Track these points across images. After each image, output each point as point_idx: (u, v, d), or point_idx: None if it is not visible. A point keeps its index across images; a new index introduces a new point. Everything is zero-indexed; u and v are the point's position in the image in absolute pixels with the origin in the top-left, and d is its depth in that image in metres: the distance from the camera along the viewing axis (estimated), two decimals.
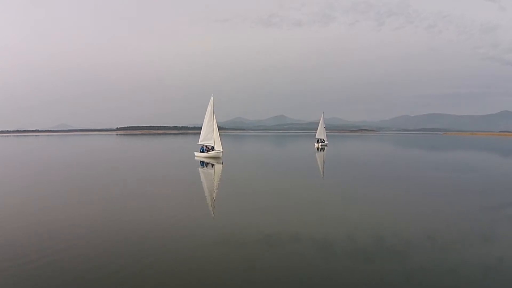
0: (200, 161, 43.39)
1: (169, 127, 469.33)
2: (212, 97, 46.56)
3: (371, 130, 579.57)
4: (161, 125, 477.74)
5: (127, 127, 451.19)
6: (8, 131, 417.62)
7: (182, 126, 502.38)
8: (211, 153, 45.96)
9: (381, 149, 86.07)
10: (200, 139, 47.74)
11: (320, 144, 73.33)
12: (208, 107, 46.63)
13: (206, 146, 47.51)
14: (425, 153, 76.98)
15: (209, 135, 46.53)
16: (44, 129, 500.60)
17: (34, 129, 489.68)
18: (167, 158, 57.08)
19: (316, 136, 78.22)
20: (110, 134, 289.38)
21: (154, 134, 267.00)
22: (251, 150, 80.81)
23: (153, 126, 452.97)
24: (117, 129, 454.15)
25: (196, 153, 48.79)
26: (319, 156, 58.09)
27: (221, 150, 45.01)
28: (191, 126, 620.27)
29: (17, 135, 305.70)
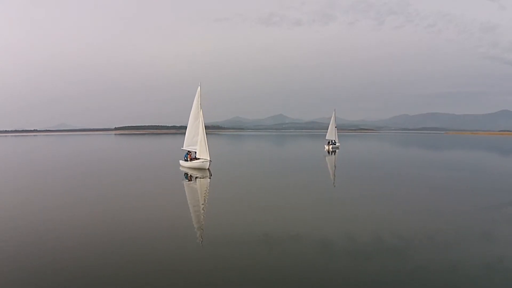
0: (184, 173, 33.56)
1: (168, 126, 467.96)
2: (199, 87, 35.32)
3: (370, 129, 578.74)
4: (160, 124, 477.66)
5: (126, 126, 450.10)
6: (6, 131, 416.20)
7: (181, 126, 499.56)
8: (194, 163, 34.82)
9: (388, 150, 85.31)
10: (185, 143, 36.74)
11: (331, 146, 64.63)
12: (194, 100, 35.68)
13: (190, 153, 36.79)
14: (431, 153, 76.90)
15: (195, 138, 35.62)
16: (42, 129, 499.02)
17: (32, 128, 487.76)
18: (149, 166, 45.52)
19: (327, 137, 68.32)
20: (109, 134, 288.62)
21: (152, 134, 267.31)
22: (249, 154, 66.40)
23: (151, 125, 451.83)
24: (116, 128, 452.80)
25: (181, 162, 37.40)
26: (330, 160, 50.89)
27: (208, 159, 33.78)
28: None
29: (16, 135, 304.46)
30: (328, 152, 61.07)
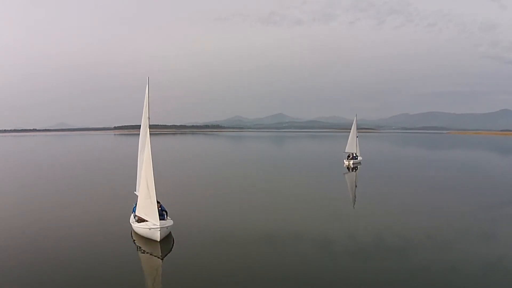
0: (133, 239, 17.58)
1: (168, 125, 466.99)
2: (147, 87, 18.44)
3: (371, 129, 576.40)
4: (160, 123, 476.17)
5: (125, 126, 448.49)
6: (5, 130, 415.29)
7: (181, 125, 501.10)
8: (140, 228, 17.31)
9: (400, 152, 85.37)
10: (138, 183, 19.98)
11: (351, 161, 51.62)
12: (144, 106, 18.99)
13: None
14: (443, 153, 78.20)
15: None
16: (42, 128, 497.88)
17: (32, 128, 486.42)
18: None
19: (346, 150, 54.55)
20: (108, 134, 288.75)
21: (151, 134, 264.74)
22: (244, 172, 44.30)
23: (151, 124, 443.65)
24: (115, 128, 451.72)
25: (131, 219, 18.70)
26: (350, 179, 40.29)
27: (158, 226, 16.38)
28: (189, 125, 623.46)
29: (15, 135, 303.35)
30: (348, 168, 49.07)
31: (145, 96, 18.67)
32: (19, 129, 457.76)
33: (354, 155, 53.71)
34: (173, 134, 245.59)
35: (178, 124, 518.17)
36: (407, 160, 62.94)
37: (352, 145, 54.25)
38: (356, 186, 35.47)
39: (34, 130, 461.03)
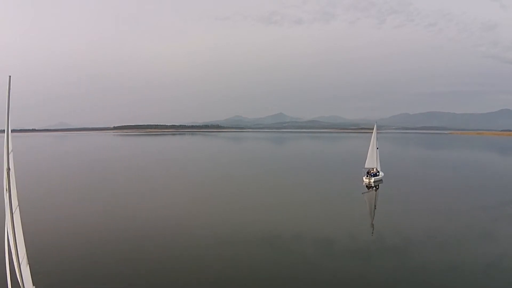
0: None
1: (167, 126, 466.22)
2: (8, 87, 9.97)
3: (371, 129, 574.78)
4: (160, 123, 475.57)
5: (125, 126, 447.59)
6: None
7: (180, 125, 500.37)
8: None
9: (420, 157, 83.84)
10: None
11: (372, 179, 43.88)
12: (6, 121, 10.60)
13: None
14: (459, 155, 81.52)
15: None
16: (42, 128, 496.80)
17: (31, 128, 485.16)
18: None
19: (366, 166, 46.37)
20: (107, 134, 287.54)
21: (151, 134, 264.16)
22: (238, 194, 38.19)
23: (150, 124, 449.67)
24: (114, 128, 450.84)
25: None
26: (370, 199, 35.44)
27: None
28: (189, 124, 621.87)
29: (14, 135, 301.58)
30: (367, 187, 42.33)
31: (6, 111, 10.04)
32: (18, 129, 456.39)
33: (375, 171, 45.97)
34: (172, 134, 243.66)
35: (178, 124, 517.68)
36: (432, 168, 58.07)
37: (372, 158, 46.18)
38: (375, 207, 30.98)
39: (34, 130, 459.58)
